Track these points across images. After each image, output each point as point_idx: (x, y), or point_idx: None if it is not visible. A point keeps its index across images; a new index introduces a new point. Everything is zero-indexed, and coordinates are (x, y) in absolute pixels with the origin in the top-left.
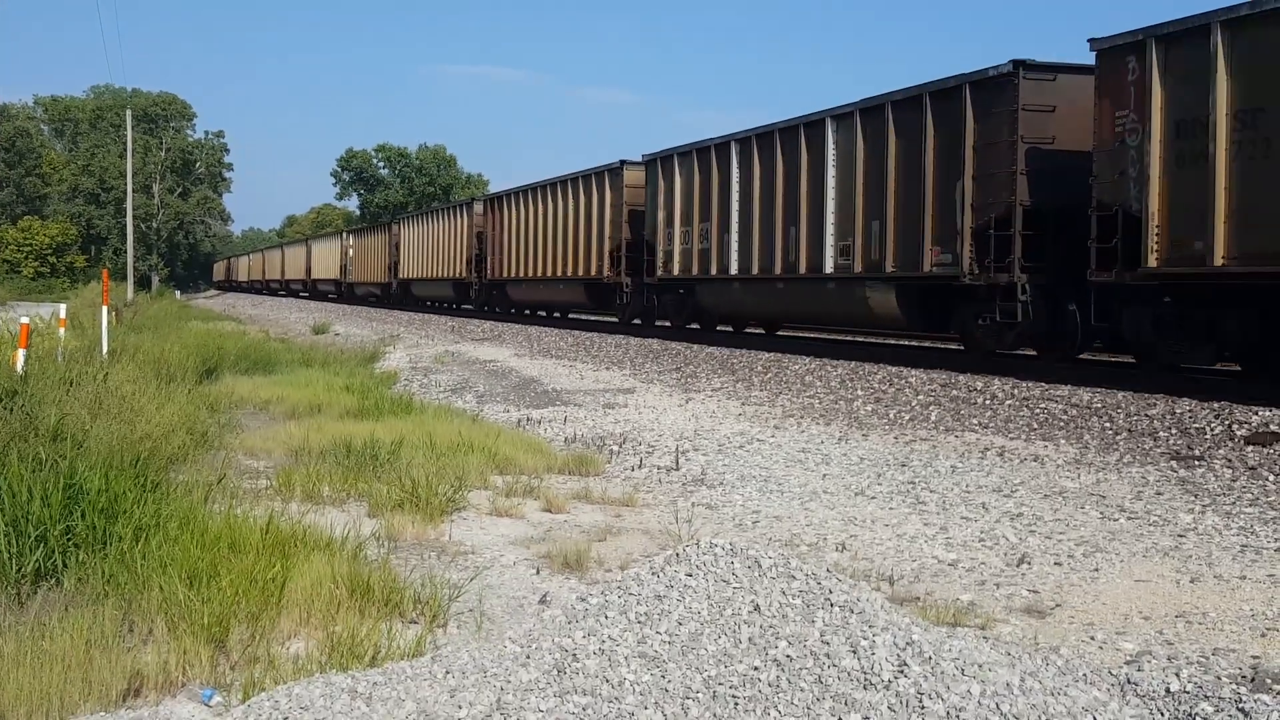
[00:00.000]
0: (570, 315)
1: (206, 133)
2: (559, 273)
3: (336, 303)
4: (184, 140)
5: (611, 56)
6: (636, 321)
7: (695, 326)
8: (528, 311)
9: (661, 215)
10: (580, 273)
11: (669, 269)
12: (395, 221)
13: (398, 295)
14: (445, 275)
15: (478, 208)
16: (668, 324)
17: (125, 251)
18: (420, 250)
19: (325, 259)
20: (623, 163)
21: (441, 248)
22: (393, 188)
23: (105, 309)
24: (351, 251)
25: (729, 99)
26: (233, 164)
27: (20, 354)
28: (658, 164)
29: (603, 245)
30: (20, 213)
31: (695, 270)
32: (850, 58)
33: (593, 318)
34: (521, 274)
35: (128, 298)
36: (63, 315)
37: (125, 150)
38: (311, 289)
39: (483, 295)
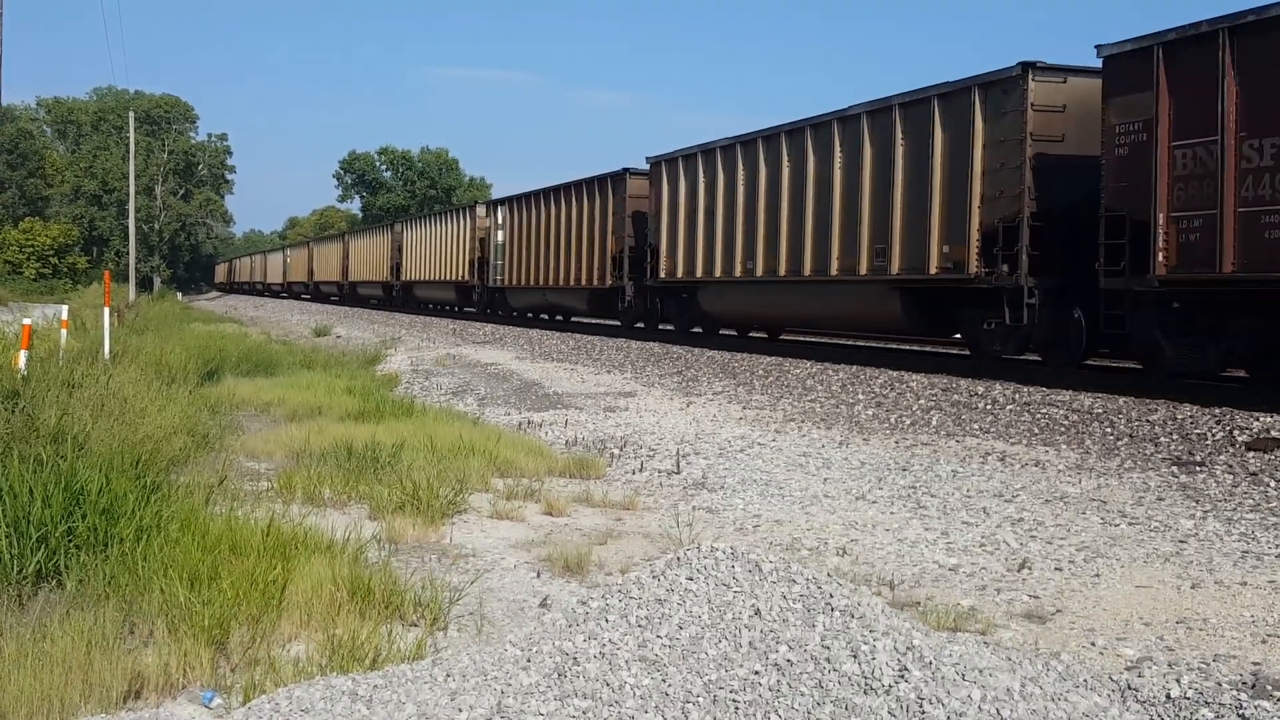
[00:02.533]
0: (449, 309)
1: (209, 135)
2: (440, 277)
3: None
4: (186, 142)
5: (612, 59)
6: (489, 311)
7: (563, 319)
8: (430, 306)
9: (500, 239)
10: (452, 277)
11: (499, 278)
12: (349, 233)
13: (348, 294)
14: (377, 279)
15: (397, 228)
16: (500, 313)
17: (127, 253)
18: (362, 258)
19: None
20: (475, 203)
21: (373, 257)
22: (395, 190)
23: (107, 310)
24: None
25: (729, 102)
26: (235, 166)
27: (22, 355)
28: (494, 205)
29: (463, 258)
30: (22, 214)
31: (510, 280)
32: (851, 59)
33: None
34: (420, 277)
35: (129, 299)
36: (65, 317)
37: (128, 152)
38: (404, 293)
39: (399, 295)
